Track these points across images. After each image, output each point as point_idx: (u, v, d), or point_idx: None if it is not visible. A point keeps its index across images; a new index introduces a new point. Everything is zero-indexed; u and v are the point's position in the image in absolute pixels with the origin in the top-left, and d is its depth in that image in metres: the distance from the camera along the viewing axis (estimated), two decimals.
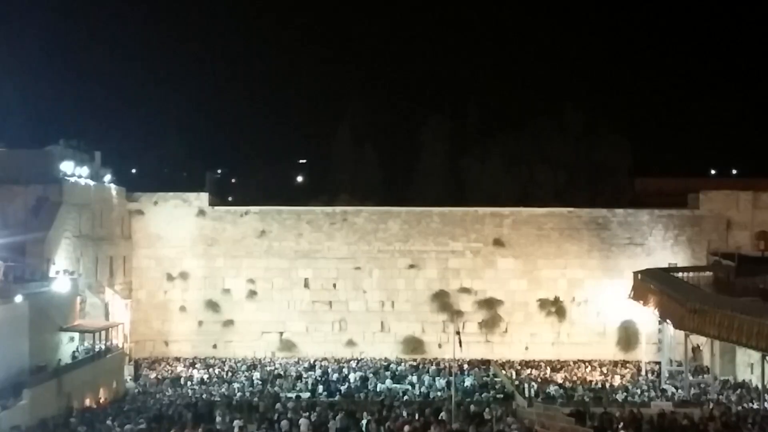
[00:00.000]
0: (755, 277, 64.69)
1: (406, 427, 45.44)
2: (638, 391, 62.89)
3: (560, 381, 67.14)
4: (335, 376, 68.25)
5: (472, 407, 51.82)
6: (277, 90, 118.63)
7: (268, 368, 72.24)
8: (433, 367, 71.89)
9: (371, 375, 68.46)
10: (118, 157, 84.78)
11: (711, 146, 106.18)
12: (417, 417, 48.41)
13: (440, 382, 65.23)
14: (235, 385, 64.52)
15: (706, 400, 57.83)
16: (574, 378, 69.09)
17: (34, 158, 68.12)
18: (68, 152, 70.49)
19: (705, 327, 54.96)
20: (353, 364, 74.15)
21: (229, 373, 70.13)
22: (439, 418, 47.66)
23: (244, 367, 72.63)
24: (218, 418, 47.86)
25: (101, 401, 58.20)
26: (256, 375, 68.83)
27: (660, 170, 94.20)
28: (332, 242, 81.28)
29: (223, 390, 62.83)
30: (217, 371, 70.94)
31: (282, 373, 69.95)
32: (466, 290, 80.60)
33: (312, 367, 72.44)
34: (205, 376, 68.41)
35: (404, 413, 49.76)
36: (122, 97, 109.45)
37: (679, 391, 62.74)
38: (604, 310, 79.33)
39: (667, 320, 62.67)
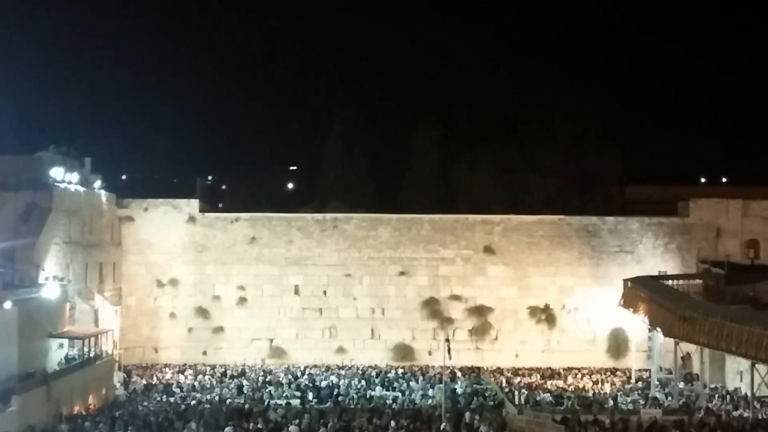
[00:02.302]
0: (745, 285, 64.98)
1: None
2: (628, 398, 62.93)
3: (550, 388, 67.11)
4: (325, 383, 68.14)
5: (467, 415, 51.79)
6: (268, 97, 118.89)
7: (258, 375, 72.08)
8: (424, 375, 71.91)
9: (361, 382, 68.41)
10: (108, 163, 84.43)
11: (701, 154, 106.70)
12: (407, 424, 48.40)
13: (430, 390, 65.21)
14: (225, 392, 64.37)
15: (696, 408, 57.91)
16: (564, 385, 69.09)
17: (23, 164, 67.82)
18: (58, 158, 70.24)
19: (695, 335, 55.07)
20: (343, 371, 74.08)
21: (219, 380, 69.87)
22: (431, 426, 47.69)
23: (234, 374, 72.47)
24: (193, 426, 47.76)
25: (90, 408, 57.94)
26: (246, 382, 68.67)
27: (650, 178, 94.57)
28: (323, 249, 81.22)
29: (213, 396, 62.61)
30: (207, 378, 70.71)
31: (272, 379, 69.83)
32: (456, 297, 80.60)
33: (302, 374, 72.34)
34: (195, 383, 68.19)
35: (394, 421, 49.72)
36: (112, 104, 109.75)
37: (669, 398, 62.82)
38: (594, 317, 79.44)
39: (657, 328, 62.74)
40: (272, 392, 64.20)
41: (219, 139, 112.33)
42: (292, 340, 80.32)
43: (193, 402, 60.33)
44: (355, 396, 63.53)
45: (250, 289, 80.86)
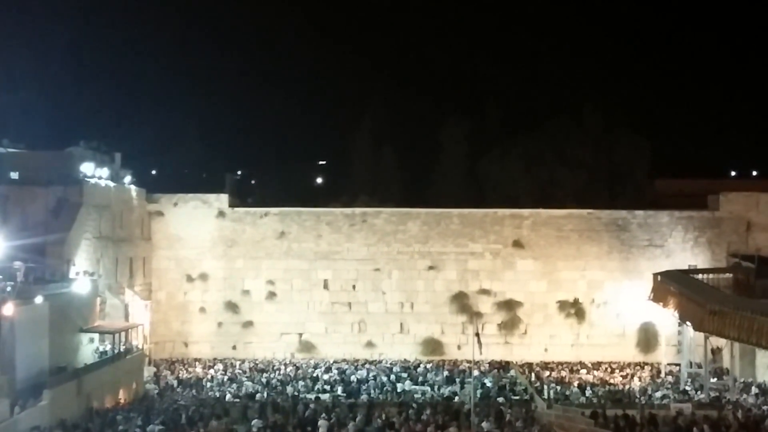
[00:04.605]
0: None
1: (427, 429, 45.52)
2: (658, 393, 62.63)
3: (579, 383, 66.87)
4: (354, 377, 68.24)
5: (501, 409, 51.75)
6: (297, 91, 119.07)
7: (287, 369, 72.29)
8: (452, 370, 71.83)
9: (391, 376, 68.43)
10: (138, 158, 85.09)
11: (731, 147, 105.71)
12: (437, 418, 48.42)
13: (459, 384, 65.14)
14: (254, 386, 64.55)
15: (726, 402, 57.57)
16: (594, 380, 68.85)
17: (54, 159, 68.58)
18: (88, 153, 70.93)
19: (725, 329, 54.67)
20: (372, 365, 74.11)
21: (249, 374, 70.12)
22: (460, 419, 47.70)
23: (263, 368, 72.72)
24: (223, 420, 47.95)
25: (121, 402, 58.37)
26: (276, 376, 68.89)
27: (680, 171, 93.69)
28: (351, 243, 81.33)
29: (243, 391, 62.88)
30: (236, 372, 71.01)
31: (301, 374, 69.99)
32: (485, 292, 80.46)
33: (331, 369, 72.45)
34: (225, 378, 68.49)
35: (424, 415, 49.75)
36: (142, 99, 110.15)
37: (699, 392, 62.46)
38: (623, 311, 79.04)
39: (687, 322, 62.38)
40: (301, 386, 64.35)
41: (248, 134, 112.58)
42: (322, 335, 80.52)
43: (226, 396, 60.66)
44: (387, 390, 63.57)
45: (279, 284, 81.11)
